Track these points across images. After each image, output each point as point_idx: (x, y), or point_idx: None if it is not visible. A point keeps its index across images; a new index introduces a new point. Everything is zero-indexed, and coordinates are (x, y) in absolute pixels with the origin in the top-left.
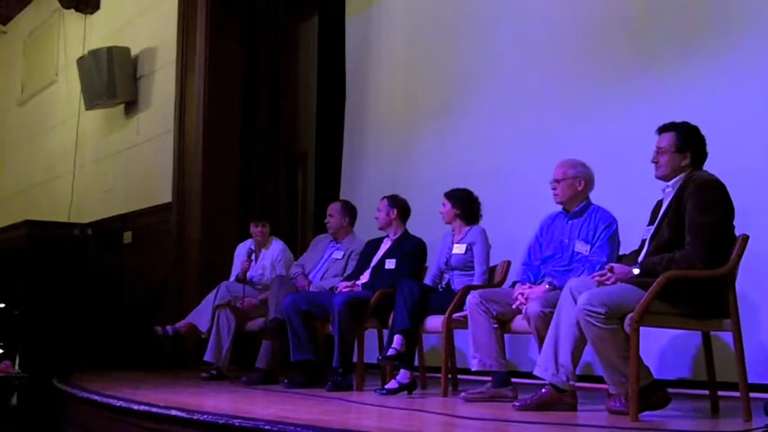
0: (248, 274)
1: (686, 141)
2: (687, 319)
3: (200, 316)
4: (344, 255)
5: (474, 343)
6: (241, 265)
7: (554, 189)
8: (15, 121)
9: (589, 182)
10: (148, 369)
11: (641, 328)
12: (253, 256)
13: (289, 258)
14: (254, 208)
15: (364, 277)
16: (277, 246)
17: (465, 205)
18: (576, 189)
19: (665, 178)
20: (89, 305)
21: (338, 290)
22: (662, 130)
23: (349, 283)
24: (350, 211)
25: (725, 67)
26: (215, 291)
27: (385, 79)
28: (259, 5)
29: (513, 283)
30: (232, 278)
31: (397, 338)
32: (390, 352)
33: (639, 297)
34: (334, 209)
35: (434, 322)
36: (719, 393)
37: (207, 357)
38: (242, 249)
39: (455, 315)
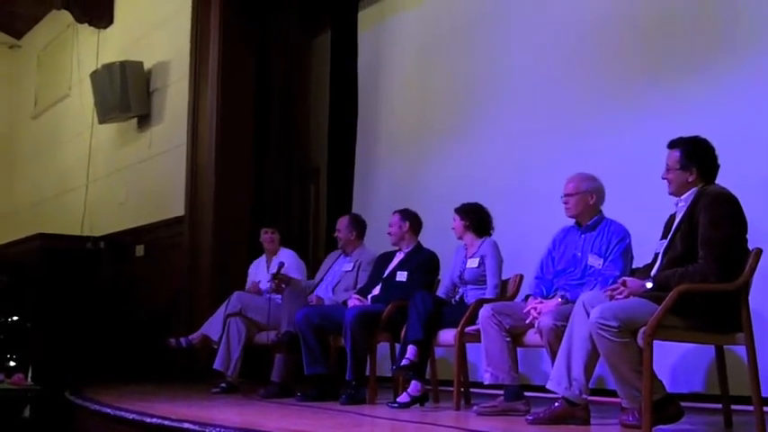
0: (261, 286)
1: (690, 158)
2: (700, 332)
3: (212, 326)
4: (354, 266)
5: (486, 356)
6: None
7: (566, 203)
8: (29, 134)
9: (600, 195)
10: (161, 382)
11: (654, 341)
12: (264, 264)
13: (301, 265)
14: (267, 219)
15: (375, 290)
16: (287, 254)
17: (474, 216)
18: (588, 203)
19: (676, 194)
20: (101, 318)
21: (350, 301)
22: (670, 145)
23: (359, 298)
24: (357, 225)
25: (736, 81)
26: (227, 300)
27: (397, 94)
28: (272, 20)
29: (526, 297)
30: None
31: (410, 349)
32: (405, 362)
33: (652, 311)
34: (341, 223)
35: (447, 336)
36: (733, 407)
37: (216, 366)
38: (254, 267)
39: (468, 329)
